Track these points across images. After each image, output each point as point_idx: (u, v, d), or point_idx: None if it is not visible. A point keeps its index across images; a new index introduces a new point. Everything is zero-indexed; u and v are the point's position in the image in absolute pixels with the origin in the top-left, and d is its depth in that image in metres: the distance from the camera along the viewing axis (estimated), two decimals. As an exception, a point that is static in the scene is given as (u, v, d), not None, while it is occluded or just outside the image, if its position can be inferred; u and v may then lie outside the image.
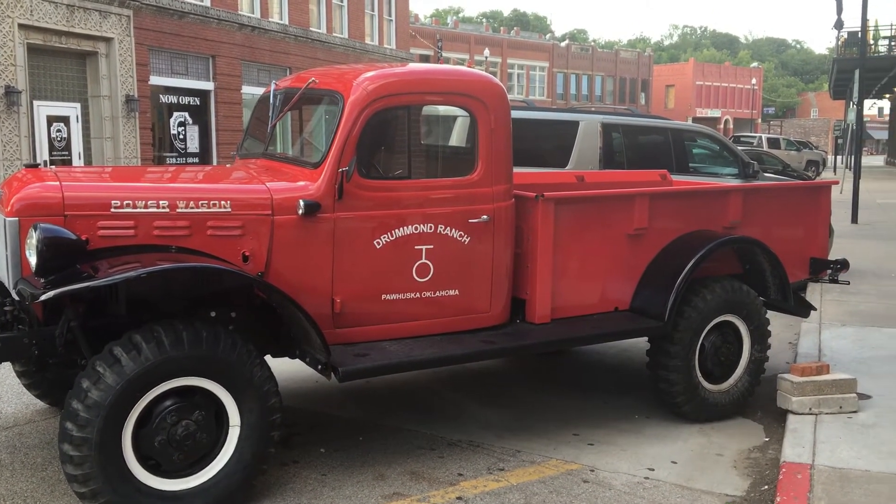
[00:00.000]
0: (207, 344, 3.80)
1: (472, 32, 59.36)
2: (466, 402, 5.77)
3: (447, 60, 50.62)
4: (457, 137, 6.00)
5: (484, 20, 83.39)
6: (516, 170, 4.91)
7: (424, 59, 48.55)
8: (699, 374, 5.32)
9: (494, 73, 58.32)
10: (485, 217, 4.67)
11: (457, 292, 4.67)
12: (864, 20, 17.21)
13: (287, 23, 24.52)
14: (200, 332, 3.80)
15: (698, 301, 5.23)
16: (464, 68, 5.14)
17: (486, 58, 55.29)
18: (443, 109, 5.73)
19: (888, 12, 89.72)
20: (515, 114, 8.35)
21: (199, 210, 4.13)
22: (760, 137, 39.31)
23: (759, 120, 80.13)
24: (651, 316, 5.16)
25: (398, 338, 4.55)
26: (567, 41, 71.85)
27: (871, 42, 34.08)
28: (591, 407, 5.65)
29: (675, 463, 4.72)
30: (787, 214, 5.98)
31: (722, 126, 74.18)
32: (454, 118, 6.47)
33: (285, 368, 5.05)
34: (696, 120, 69.51)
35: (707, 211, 5.58)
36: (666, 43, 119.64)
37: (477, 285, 4.73)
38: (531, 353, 6.19)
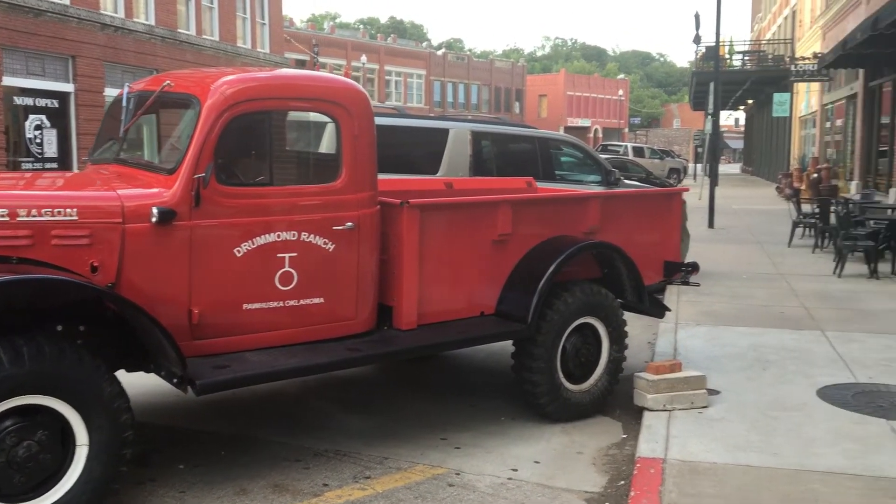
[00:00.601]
0: (51, 360, 3.60)
1: (349, 38, 59.09)
2: (334, 410, 5.72)
3: (324, 66, 50.18)
4: (326, 144, 5.95)
5: (361, 26, 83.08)
6: (387, 177, 4.92)
7: (300, 64, 47.92)
8: (561, 374, 5.48)
9: (372, 80, 58.31)
10: (349, 224, 4.64)
11: (322, 300, 4.63)
12: (718, 36, 18.29)
13: (153, 23, 23.62)
14: (43, 348, 3.60)
15: (560, 304, 5.39)
16: (327, 74, 5.10)
17: (364, 64, 55.19)
18: (313, 115, 5.67)
19: (743, 30, 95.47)
20: (387, 121, 8.43)
21: (43, 218, 3.91)
22: (626, 146, 41.06)
23: (627, 129, 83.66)
24: (515, 319, 5.28)
25: (261, 348, 4.46)
26: (443, 50, 72.73)
27: (727, 56, 36.26)
28: (459, 411, 5.72)
29: (538, 462, 4.84)
30: (642, 220, 6.26)
31: (592, 135, 76.92)
32: (324, 124, 6.42)
33: (145, 383, 4.85)
34: (567, 129, 71.77)
35: (567, 217, 5.76)
36: (539, 54, 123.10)
37: (342, 293, 4.69)
38: (398, 359, 6.21)
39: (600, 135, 76.90)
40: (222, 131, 4.25)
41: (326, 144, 5.65)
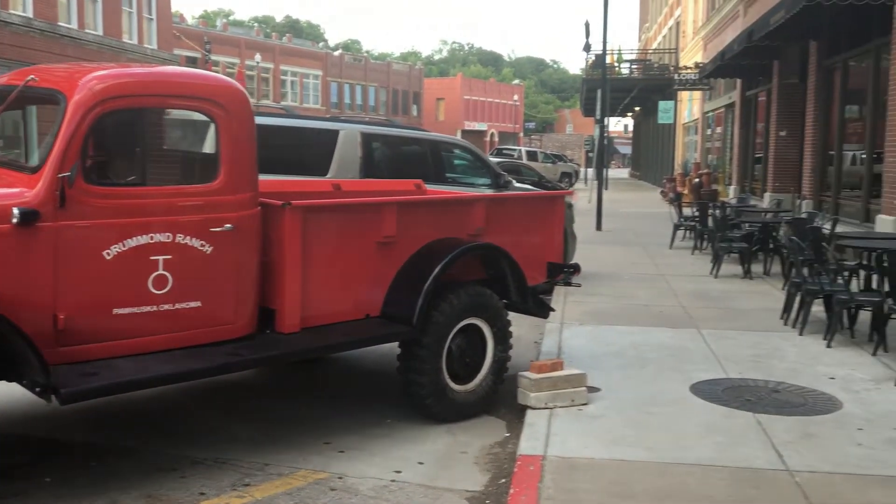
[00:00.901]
0: None
1: (242, 36, 57.88)
2: (215, 417, 5.58)
3: (216, 64, 48.94)
4: (204, 143, 5.79)
5: (256, 25, 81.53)
6: (274, 178, 4.82)
7: (191, 61, 46.60)
8: (447, 375, 5.51)
9: (267, 80, 57.28)
10: (228, 226, 4.54)
11: (199, 304, 4.50)
12: (605, 44, 18.91)
13: (32, 16, 22.49)
14: None
15: (445, 305, 5.42)
16: (206, 72, 4.96)
17: (258, 63, 54.14)
18: (192, 114, 5.50)
19: (632, 39, 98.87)
20: (275, 121, 8.29)
21: None
22: (521, 150, 41.85)
23: (522, 134, 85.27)
24: (400, 321, 5.28)
25: (135, 354, 4.30)
26: (340, 51, 72.21)
27: (616, 65, 37.47)
28: (345, 414, 5.67)
29: (422, 464, 4.86)
30: (527, 222, 6.38)
31: (488, 139, 78.03)
32: (203, 123, 6.26)
33: (12, 392, 4.59)
34: (464, 132, 72.55)
35: (453, 219, 5.81)
36: (436, 57, 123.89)
37: (221, 296, 4.58)
38: (280, 363, 6.12)
39: (496, 139, 78.08)
40: (90, 129, 4.07)
41: (204, 144, 5.50)
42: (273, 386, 6.39)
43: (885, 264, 7.46)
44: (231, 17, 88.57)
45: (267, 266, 4.81)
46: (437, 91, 77.53)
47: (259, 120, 7.57)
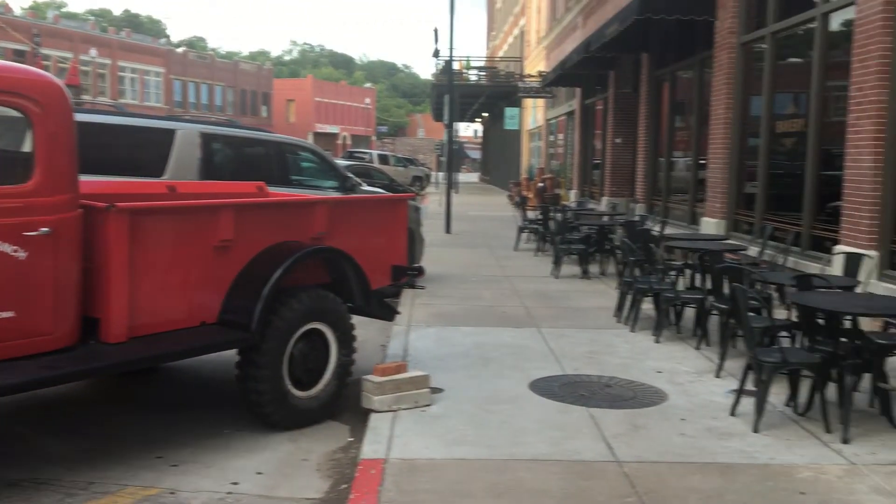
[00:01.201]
0: None
1: (76, 30, 54.53)
2: (34, 435, 5.20)
3: (47, 58, 45.87)
4: (16, 141, 5.38)
5: (91, 17, 77.10)
6: (101, 178, 4.54)
7: (19, 54, 43.47)
8: (289, 381, 5.40)
9: (104, 76, 54.24)
10: (45, 230, 4.24)
11: (12, 314, 4.17)
12: (451, 50, 19.21)
13: None
14: None
15: (285, 311, 5.31)
16: (16, 64, 4.60)
17: (94, 58, 51.24)
18: (4, 110, 5.09)
19: (481, 46, 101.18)
20: (103, 119, 7.84)
21: None
22: (372, 154, 41.85)
23: (375, 137, 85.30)
24: (238, 327, 5.12)
25: (-64, 369, 3.93)
26: (184, 48, 69.50)
27: (464, 71, 38.21)
28: (179, 426, 5.43)
29: (261, 473, 4.72)
30: (370, 225, 6.35)
31: (341, 142, 77.55)
32: (16, 120, 5.82)
33: None
34: (316, 135, 71.76)
35: (294, 222, 5.70)
36: (286, 58, 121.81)
37: (37, 306, 4.27)
38: (106, 375, 5.79)
39: (349, 142, 77.70)
40: None
41: (17, 142, 5.12)
42: (102, 398, 6.03)
43: (707, 264, 8.00)
44: (64, 10, 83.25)
45: (90, 272, 4.53)
46: (288, 92, 76.20)
47: (86, 118, 7.18)
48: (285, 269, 5.28)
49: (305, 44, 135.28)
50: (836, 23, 9.08)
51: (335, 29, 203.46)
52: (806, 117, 9.67)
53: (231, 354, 5.64)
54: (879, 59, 7.62)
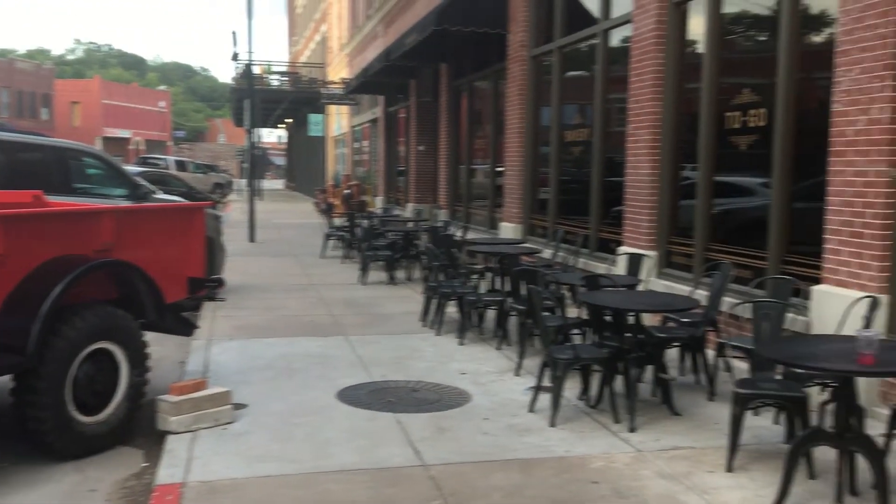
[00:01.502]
0: None
1: None
2: None
3: None
4: None
5: None
6: None
7: None
8: (73, 407, 4.98)
9: None
10: None
11: None
12: (250, 54, 18.76)
13: None
14: None
15: (67, 330, 4.90)
16: None
17: None
18: None
19: (283, 51, 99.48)
20: None
21: None
22: (168, 160, 39.87)
23: (171, 143, 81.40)
24: (12, 350, 4.67)
25: None
26: (-51, 43, 62.82)
27: (266, 76, 37.41)
28: (-56, 464, 4.86)
29: (42, 510, 4.32)
30: (163, 235, 6.03)
31: (134, 147, 73.31)
32: None
33: None
34: (105, 139, 67.44)
35: (76, 234, 5.29)
36: (70, 58, 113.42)
37: None
38: None
39: (143, 147, 73.56)
40: None
41: None
42: None
43: (505, 267, 8.31)
44: None
45: None
46: (72, 94, 70.92)
47: None
48: (66, 285, 4.88)
49: (91, 43, 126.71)
50: (616, 39, 9.77)
51: (124, 28, 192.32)
52: (591, 127, 10.33)
53: (5, 380, 5.14)
54: (653, 73, 8.29)
